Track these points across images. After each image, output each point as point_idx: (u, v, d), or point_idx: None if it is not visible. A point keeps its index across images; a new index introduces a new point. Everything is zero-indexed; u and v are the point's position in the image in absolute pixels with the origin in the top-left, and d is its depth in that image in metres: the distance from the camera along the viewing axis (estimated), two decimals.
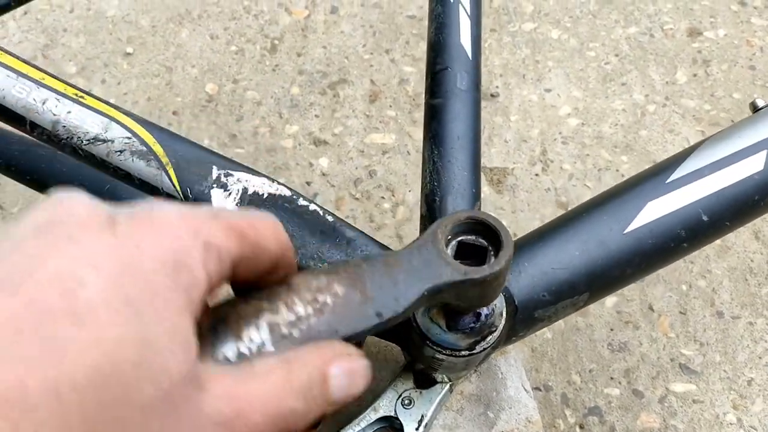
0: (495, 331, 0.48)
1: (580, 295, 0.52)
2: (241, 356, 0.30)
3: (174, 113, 0.95)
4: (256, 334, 0.31)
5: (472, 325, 0.46)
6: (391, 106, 0.94)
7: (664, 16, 1.00)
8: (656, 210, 0.53)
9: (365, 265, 0.37)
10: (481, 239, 0.42)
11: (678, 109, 0.92)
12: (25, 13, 1.05)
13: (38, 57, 1.02)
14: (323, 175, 0.89)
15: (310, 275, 0.35)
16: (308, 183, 0.88)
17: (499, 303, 0.48)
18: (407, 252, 0.39)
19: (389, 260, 0.38)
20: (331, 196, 0.87)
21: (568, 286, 0.51)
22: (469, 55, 0.61)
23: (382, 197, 0.86)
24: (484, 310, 0.46)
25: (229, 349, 0.30)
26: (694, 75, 0.95)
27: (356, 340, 0.35)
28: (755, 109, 0.61)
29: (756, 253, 0.79)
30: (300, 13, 1.04)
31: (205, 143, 0.93)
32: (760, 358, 0.73)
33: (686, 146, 0.52)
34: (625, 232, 0.52)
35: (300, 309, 0.33)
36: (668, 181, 0.55)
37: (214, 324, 0.31)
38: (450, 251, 0.40)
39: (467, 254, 0.41)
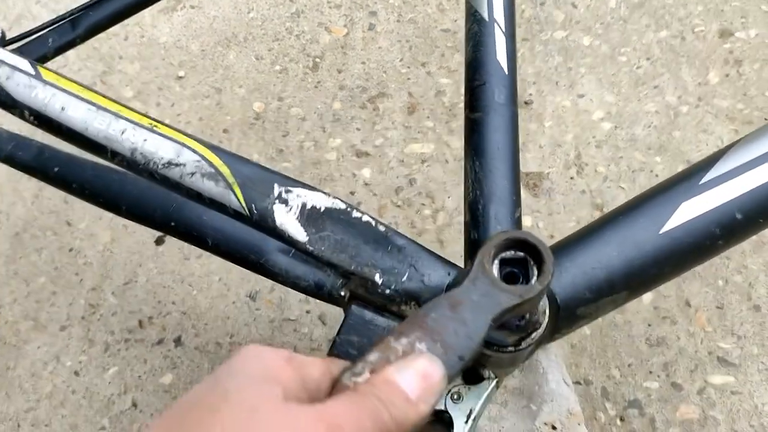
0: (539, 328, 0.52)
1: (619, 293, 0.55)
2: None
3: (224, 131, 1.01)
4: None
5: (518, 323, 0.50)
6: (428, 117, 0.98)
7: (695, 19, 1.03)
8: (690, 210, 0.56)
9: (433, 314, 0.42)
10: (519, 252, 0.46)
11: (711, 110, 0.94)
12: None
13: (97, 83, 1.09)
14: (366, 184, 0.93)
15: (392, 339, 0.40)
16: (352, 193, 0.93)
17: (543, 302, 0.52)
18: (465, 289, 0.44)
19: (452, 301, 0.43)
20: (374, 204, 0.91)
21: (608, 284, 0.55)
22: (505, 70, 0.65)
23: (423, 204, 0.90)
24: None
25: None
26: (726, 75, 0.97)
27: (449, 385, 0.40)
28: None
29: None
30: (339, 31, 1.09)
31: (254, 158, 0.99)
32: None
33: (720, 145, 0.55)
34: (661, 232, 0.56)
35: None
36: (702, 182, 0.58)
37: None
38: (496, 272, 0.45)
39: (508, 265, 0.46)
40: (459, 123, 0.97)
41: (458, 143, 0.94)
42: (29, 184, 0.98)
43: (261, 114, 1.02)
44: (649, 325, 0.78)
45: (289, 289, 0.90)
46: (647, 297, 0.79)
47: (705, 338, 0.76)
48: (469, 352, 0.41)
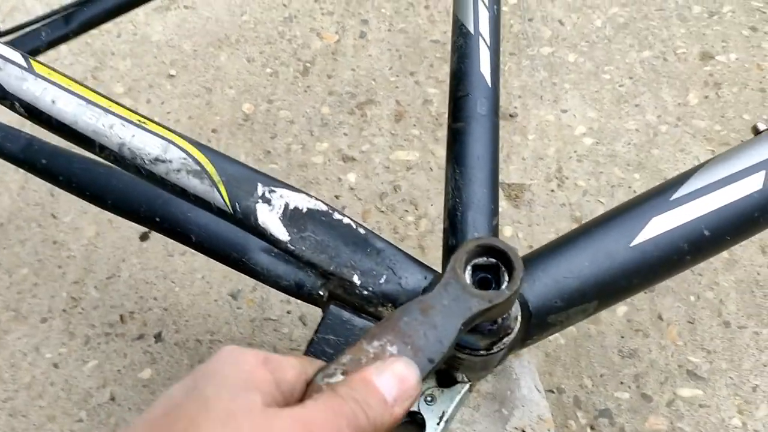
0: (511, 333, 0.53)
1: (589, 302, 0.57)
2: None
3: (213, 131, 1.02)
4: None
5: (490, 327, 0.52)
6: (415, 125, 1.00)
7: (677, 41, 1.05)
8: (661, 225, 0.58)
9: (405, 317, 0.43)
10: (491, 258, 0.48)
11: (689, 130, 0.96)
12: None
13: (88, 78, 1.10)
14: (351, 189, 0.95)
15: (364, 342, 0.42)
16: (337, 197, 0.94)
17: (515, 308, 0.54)
18: (437, 293, 0.45)
19: (423, 306, 0.45)
20: (359, 209, 0.93)
21: (579, 294, 0.57)
22: (488, 82, 0.66)
23: (406, 210, 0.92)
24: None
25: None
26: (706, 97, 0.99)
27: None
28: (756, 132, 0.66)
29: (763, 266, 0.84)
30: (330, 37, 1.11)
31: (242, 159, 1.00)
32: (765, 366, 0.77)
33: (696, 165, 0.57)
34: (632, 245, 0.57)
35: None
36: (672, 198, 0.60)
37: None
38: (468, 277, 0.47)
39: (481, 271, 0.47)
40: (444, 132, 0.98)
41: (443, 152, 0.96)
42: (15, 175, 0.99)
43: (250, 115, 1.03)
44: (622, 337, 0.79)
45: (271, 289, 0.91)
46: (621, 309, 0.81)
47: (676, 352, 0.78)
48: (439, 355, 0.43)
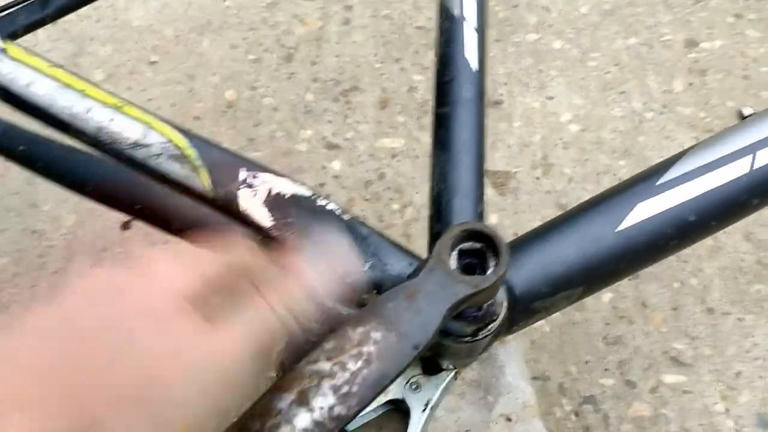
0: (496, 319, 0.53)
1: (575, 288, 0.57)
2: (318, 425, 0.36)
3: (196, 118, 1.01)
4: (324, 401, 0.37)
5: (475, 314, 0.51)
6: (400, 113, 0.99)
7: (663, 28, 1.05)
8: (646, 210, 0.58)
9: (390, 303, 0.42)
10: (477, 243, 0.48)
11: (674, 117, 0.96)
12: (54, 23, 1.10)
13: (67, 65, 1.08)
14: (335, 177, 0.94)
15: (349, 328, 0.41)
16: (321, 185, 0.93)
17: (500, 294, 0.53)
18: (422, 279, 0.45)
19: (408, 291, 0.44)
20: (343, 197, 0.92)
21: (564, 279, 0.56)
22: (474, 67, 0.66)
23: (391, 198, 0.91)
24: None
25: (303, 421, 0.35)
26: (690, 84, 0.99)
27: (401, 374, 0.41)
28: (742, 117, 0.66)
29: (746, 253, 0.84)
30: (314, 24, 1.09)
31: (225, 146, 0.98)
32: (747, 352, 0.77)
33: (682, 150, 0.57)
34: (617, 230, 0.57)
35: (351, 365, 0.39)
36: (658, 183, 0.59)
37: (281, 404, 0.36)
38: (454, 263, 0.46)
39: (467, 256, 0.47)
40: (430, 119, 0.98)
41: (428, 139, 0.95)
42: None
43: (233, 102, 1.02)
44: (607, 324, 0.79)
45: None
46: (606, 296, 0.81)
47: (660, 338, 0.78)
48: (424, 342, 0.42)
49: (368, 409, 0.62)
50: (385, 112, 1.00)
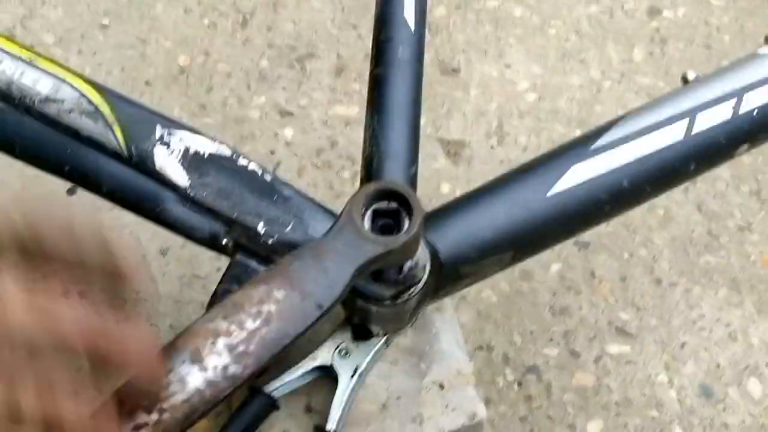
0: (419, 282, 0.51)
1: (503, 253, 0.56)
2: (210, 384, 0.34)
3: (146, 83, 0.98)
4: (218, 359, 0.36)
5: (396, 276, 0.50)
6: (355, 80, 0.97)
7: None
8: (579, 175, 0.56)
9: (296, 262, 0.41)
10: (393, 203, 0.46)
11: (633, 86, 0.95)
12: None
13: (17, 27, 1.05)
14: (287, 144, 0.92)
15: (249, 288, 0.39)
16: (272, 152, 0.91)
17: (423, 257, 0.52)
18: (331, 238, 0.43)
19: (316, 251, 0.42)
20: (294, 164, 0.90)
21: (492, 244, 0.55)
22: (412, 27, 0.64)
23: (343, 166, 0.90)
24: (407, 263, 0.50)
25: (195, 380, 0.34)
26: (651, 53, 0.98)
27: (304, 335, 0.39)
28: (685, 81, 0.64)
29: (697, 224, 0.83)
30: None
31: (176, 113, 0.96)
32: (694, 323, 0.77)
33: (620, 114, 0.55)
34: (549, 194, 0.56)
35: (249, 324, 0.37)
36: (593, 147, 0.58)
37: (172, 362, 0.35)
38: (367, 223, 0.45)
39: (382, 217, 0.45)
40: None
41: None
42: None
43: (186, 68, 1.00)
44: (554, 294, 0.79)
45: (200, 246, 0.88)
46: (554, 267, 0.80)
47: (606, 308, 0.78)
48: (329, 302, 0.41)
49: (296, 374, 0.61)
50: (340, 80, 0.97)
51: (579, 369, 0.74)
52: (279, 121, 0.94)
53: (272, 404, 0.59)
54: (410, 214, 0.45)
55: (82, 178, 0.65)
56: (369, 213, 0.45)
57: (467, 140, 0.91)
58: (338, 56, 1.00)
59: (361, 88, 0.97)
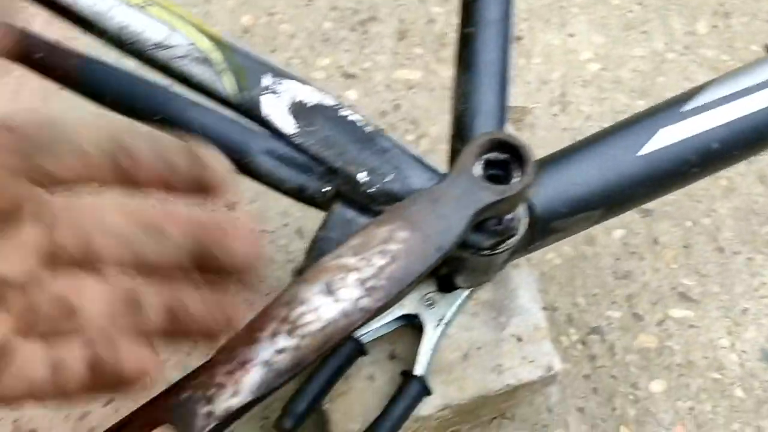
0: (515, 234, 0.53)
1: (594, 210, 0.57)
2: (344, 314, 0.35)
3: None
4: (350, 292, 0.37)
5: (495, 227, 0.52)
6: (418, 44, 0.98)
7: None
8: (669, 136, 0.58)
9: (414, 206, 0.43)
10: (503, 154, 0.48)
11: (696, 59, 0.95)
12: None
13: None
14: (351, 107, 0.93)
15: (373, 227, 0.41)
16: None
17: (521, 211, 0.54)
18: (447, 184, 0.45)
19: (434, 195, 0.44)
20: None
21: (584, 201, 0.57)
22: None
23: (407, 129, 0.91)
24: (509, 215, 0.52)
25: (330, 311, 0.35)
26: (714, 26, 0.98)
27: (425, 275, 0.41)
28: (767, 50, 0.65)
29: (760, 195, 0.84)
30: None
31: (250, 51, 0.97)
32: (756, 290, 0.78)
33: (708, 80, 0.56)
34: (639, 154, 0.57)
35: (378, 260, 0.39)
36: (682, 110, 0.59)
37: (307, 294, 0.36)
38: (479, 171, 0.46)
39: (492, 167, 0.47)
40: (448, 52, 0.96)
41: (446, 72, 0.94)
42: None
43: (249, 28, 1.01)
44: (617, 259, 0.80)
45: (269, 201, 0.90)
46: (617, 233, 0.82)
47: (669, 274, 0.79)
48: (448, 245, 0.42)
49: (382, 322, 0.63)
50: (402, 44, 0.98)
51: (642, 331, 0.75)
52: (343, 83, 0.95)
53: (360, 349, 0.61)
54: (522, 165, 0.46)
55: (170, 129, 0.67)
56: (480, 162, 0.46)
57: (530, 107, 0.92)
58: (400, 20, 1.00)
59: (423, 53, 0.97)
